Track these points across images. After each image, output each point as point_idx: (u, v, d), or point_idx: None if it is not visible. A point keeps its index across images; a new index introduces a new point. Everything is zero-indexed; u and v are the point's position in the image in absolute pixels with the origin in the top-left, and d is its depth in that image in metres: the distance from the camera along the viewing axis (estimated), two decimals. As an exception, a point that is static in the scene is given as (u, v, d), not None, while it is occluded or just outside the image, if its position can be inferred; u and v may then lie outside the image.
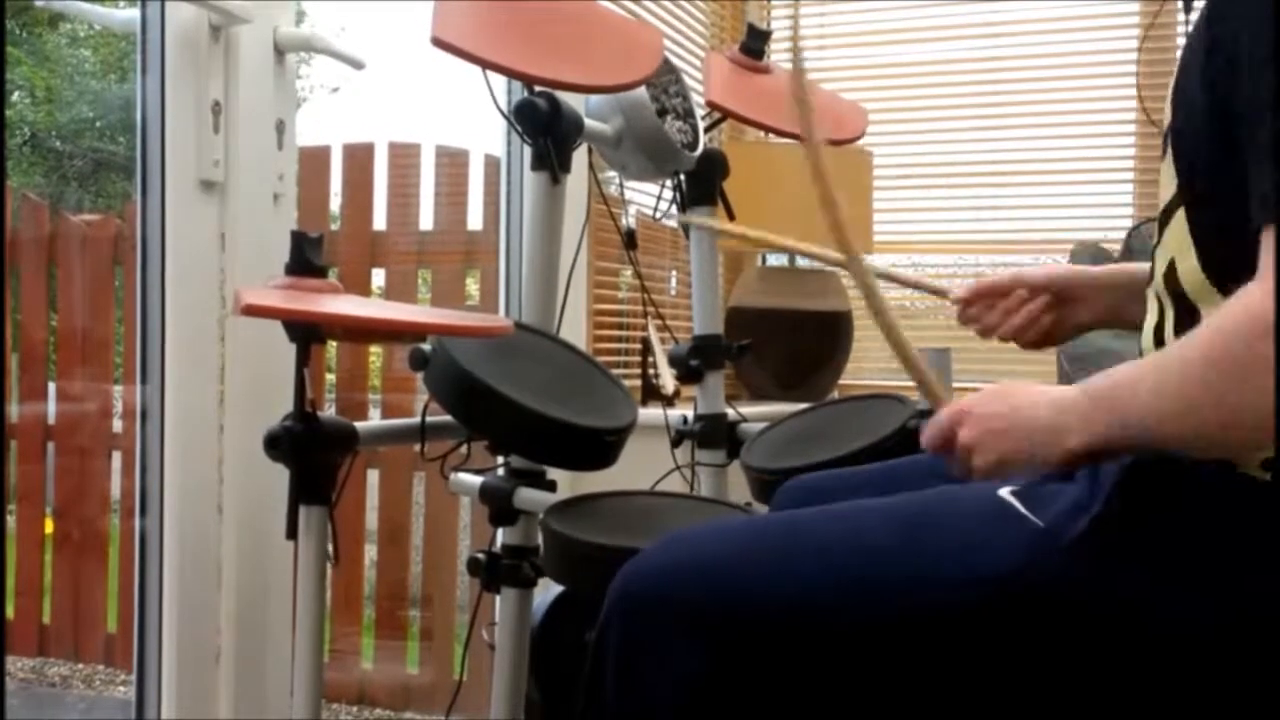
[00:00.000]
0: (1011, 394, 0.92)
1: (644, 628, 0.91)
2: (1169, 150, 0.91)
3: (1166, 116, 0.91)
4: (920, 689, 0.89)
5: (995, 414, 0.92)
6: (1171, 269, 0.91)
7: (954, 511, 0.92)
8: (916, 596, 0.87)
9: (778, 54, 1.73)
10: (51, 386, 2.35)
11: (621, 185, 2.57)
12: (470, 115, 2.45)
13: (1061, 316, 1.23)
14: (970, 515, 0.91)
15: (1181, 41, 2.96)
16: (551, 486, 1.36)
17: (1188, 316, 0.89)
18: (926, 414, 1.49)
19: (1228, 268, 0.82)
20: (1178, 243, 0.90)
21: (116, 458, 2.30)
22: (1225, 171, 0.83)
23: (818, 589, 0.89)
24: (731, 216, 1.78)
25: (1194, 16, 0.90)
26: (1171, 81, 0.92)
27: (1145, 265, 1.10)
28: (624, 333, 2.68)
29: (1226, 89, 0.83)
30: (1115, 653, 0.85)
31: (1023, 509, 0.89)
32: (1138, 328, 1.03)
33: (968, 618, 0.86)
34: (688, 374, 1.76)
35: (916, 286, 1.25)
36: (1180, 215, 0.90)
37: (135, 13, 1.46)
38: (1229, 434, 0.81)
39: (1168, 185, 0.92)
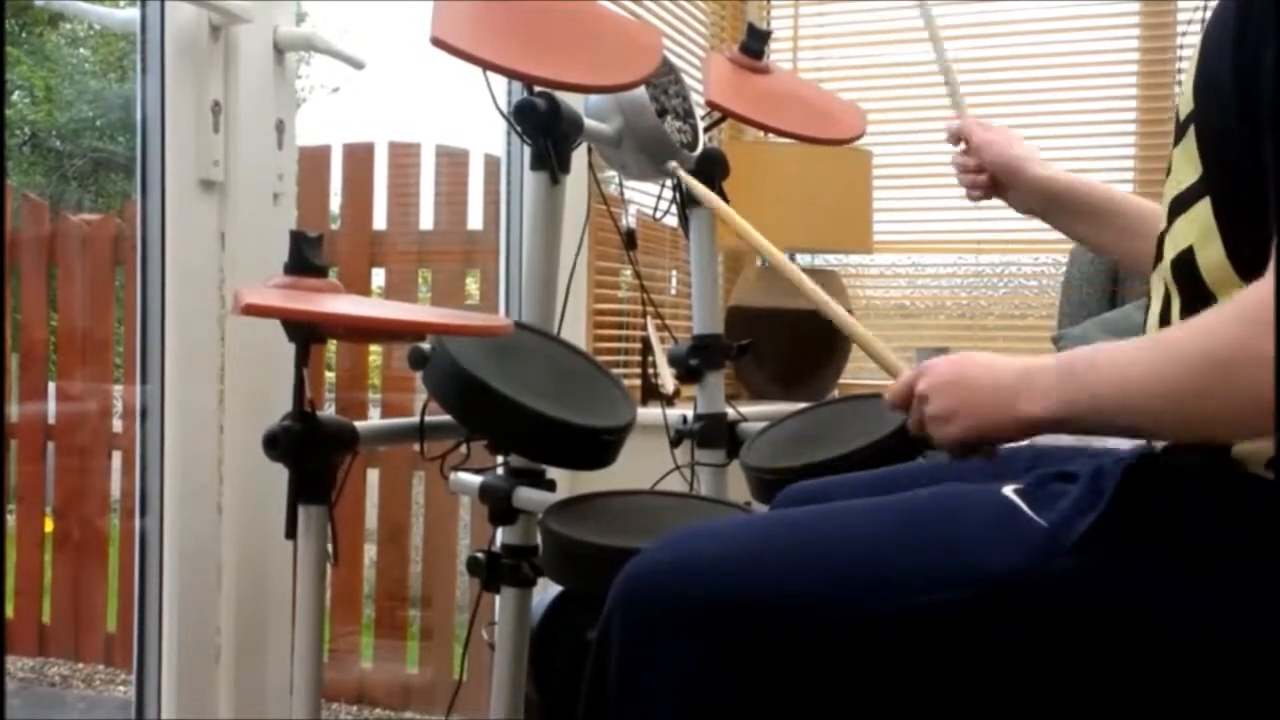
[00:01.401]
0: (976, 358, 0.98)
1: (646, 627, 0.91)
2: (1186, 137, 0.91)
3: (1187, 104, 0.91)
4: (922, 687, 0.89)
5: (957, 371, 0.98)
6: (1185, 257, 0.90)
7: (956, 511, 0.92)
8: (918, 594, 0.87)
9: (777, 54, 1.73)
10: (51, 386, 2.35)
11: (621, 185, 2.57)
12: (470, 115, 2.45)
13: (1000, 190, 1.43)
14: (973, 514, 0.91)
15: (1182, 41, 2.95)
16: (551, 486, 1.36)
17: (1201, 304, 0.88)
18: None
19: (1253, 257, 0.81)
20: (1197, 230, 0.89)
21: (116, 458, 2.30)
22: (1253, 160, 0.83)
23: (819, 586, 0.89)
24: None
25: (1211, 2, 0.90)
26: (1190, 67, 0.91)
27: (1089, 182, 1.34)
28: (624, 333, 2.68)
29: (1249, 78, 0.82)
30: (1117, 654, 0.85)
31: (1026, 509, 0.89)
32: (1063, 230, 1.36)
33: (969, 616, 0.86)
34: (687, 374, 1.76)
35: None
36: (1201, 204, 0.89)
37: (135, 13, 1.46)
38: (1207, 429, 0.83)
39: (1183, 172, 0.91)
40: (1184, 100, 0.91)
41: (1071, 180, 1.35)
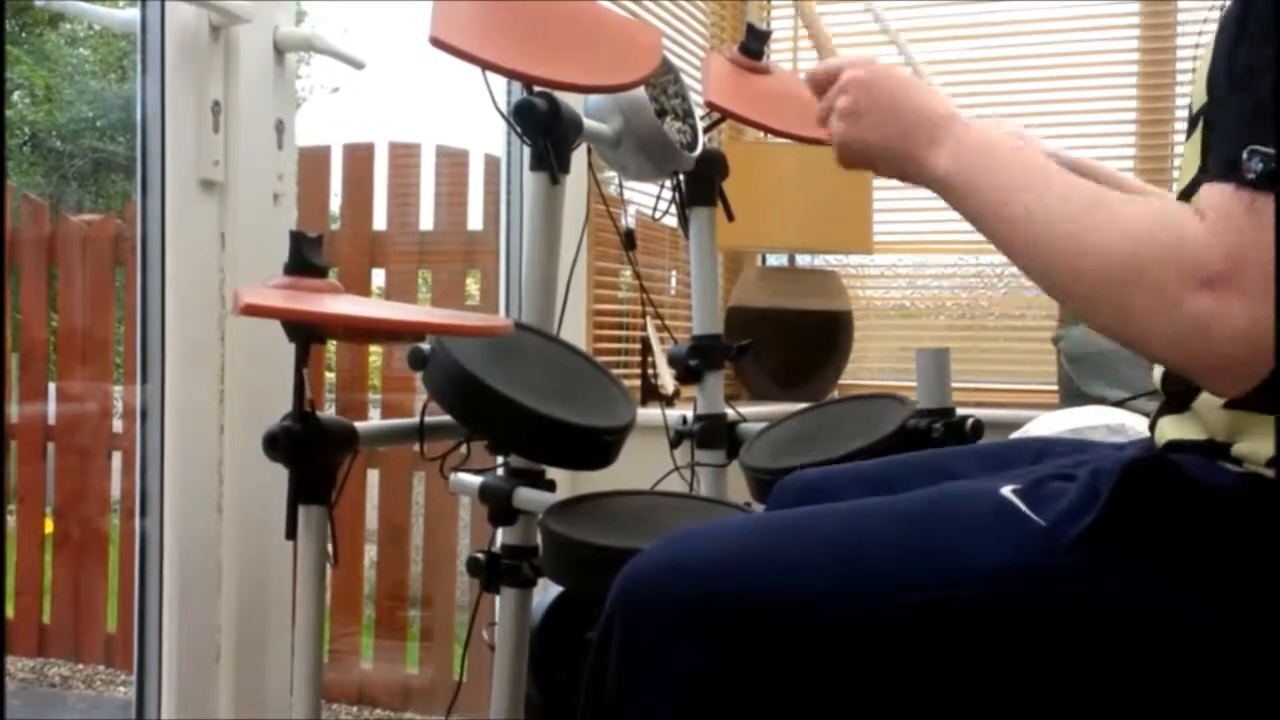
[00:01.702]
0: (919, 83, 0.92)
1: (646, 627, 0.91)
2: (1197, 131, 0.91)
3: (1200, 98, 0.91)
4: (921, 686, 0.89)
5: (892, 81, 0.93)
6: None
7: (955, 510, 0.92)
8: (916, 593, 0.87)
9: (778, 54, 1.73)
10: (51, 386, 2.35)
11: (621, 185, 2.58)
12: (470, 115, 2.45)
13: None
14: (971, 514, 0.91)
15: (1181, 41, 2.95)
16: (551, 486, 1.36)
17: None
18: (927, 413, 1.50)
19: None
20: None
21: (116, 458, 2.30)
22: None
23: (819, 586, 0.89)
24: (731, 217, 1.78)
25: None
26: (1203, 61, 0.91)
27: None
28: (624, 333, 2.68)
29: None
30: (1116, 653, 0.85)
31: (1024, 508, 0.89)
32: None
33: (967, 615, 0.86)
34: (687, 374, 1.76)
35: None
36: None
37: (135, 13, 1.46)
38: (1077, 310, 0.83)
39: (1192, 165, 0.91)
40: (1196, 94, 0.91)
41: (1081, 158, 1.32)
